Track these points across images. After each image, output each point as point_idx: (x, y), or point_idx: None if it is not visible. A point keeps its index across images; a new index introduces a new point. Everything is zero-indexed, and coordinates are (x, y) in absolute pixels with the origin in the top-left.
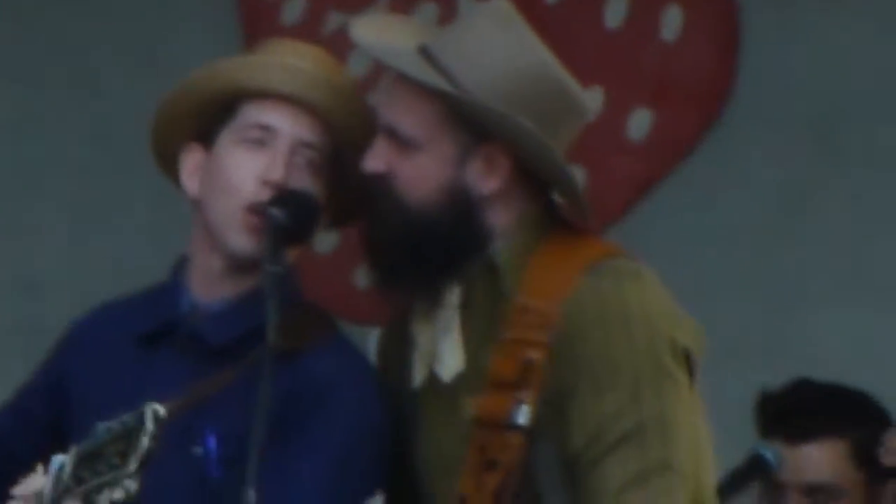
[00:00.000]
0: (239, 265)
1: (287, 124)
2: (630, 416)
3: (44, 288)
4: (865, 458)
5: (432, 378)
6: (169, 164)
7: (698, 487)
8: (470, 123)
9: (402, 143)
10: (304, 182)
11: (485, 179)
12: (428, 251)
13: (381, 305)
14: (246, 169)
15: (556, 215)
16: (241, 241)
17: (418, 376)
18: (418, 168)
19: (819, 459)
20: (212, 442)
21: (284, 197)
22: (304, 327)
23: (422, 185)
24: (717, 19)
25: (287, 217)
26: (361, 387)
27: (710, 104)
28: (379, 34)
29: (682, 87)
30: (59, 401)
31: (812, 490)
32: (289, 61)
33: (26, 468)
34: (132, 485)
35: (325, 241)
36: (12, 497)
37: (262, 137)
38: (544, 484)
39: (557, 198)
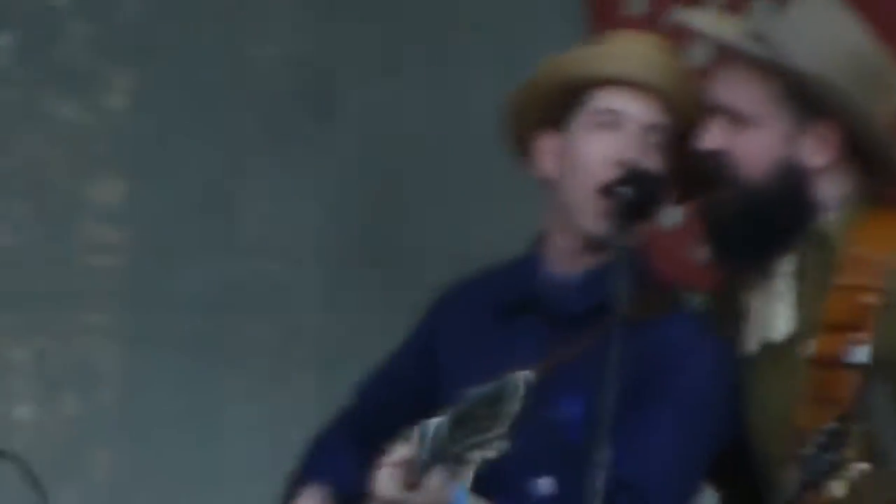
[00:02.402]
0: (591, 244)
1: (635, 108)
2: None
3: None
4: None
5: (765, 343)
6: (520, 149)
7: None
8: (803, 100)
9: (737, 121)
10: (653, 162)
11: (815, 155)
12: (762, 224)
13: (715, 277)
14: (599, 151)
15: (878, 192)
16: (594, 223)
17: (752, 342)
18: (753, 144)
19: None
20: (577, 407)
21: (632, 176)
22: (651, 299)
23: (756, 161)
24: None
25: (635, 194)
26: (716, 352)
27: None
28: (714, 22)
29: None
30: (429, 365)
31: None
32: (632, 49)
33: (392, 432)
34: (503, 445)
35: (670, 216)
36: (382, 465)
37: (614, 121)
38: (879, 420)
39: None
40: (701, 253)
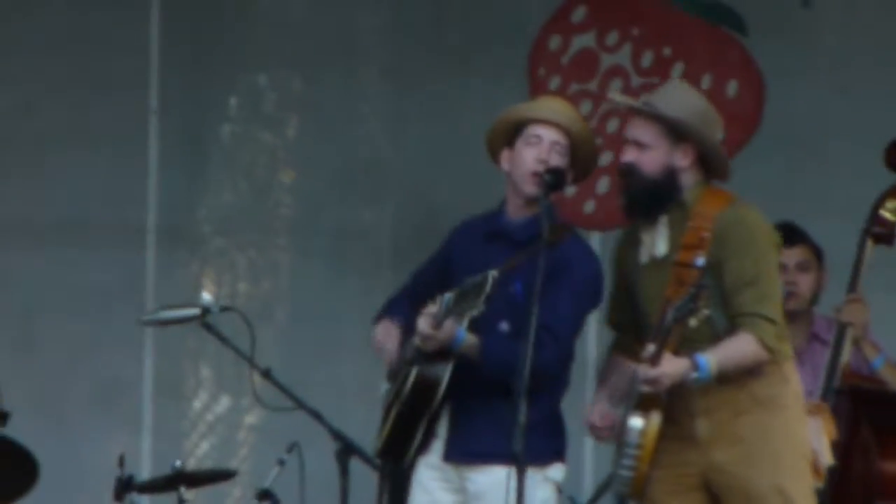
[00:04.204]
0: (529, 202)
1: (549, 134)
2: (754, 270)
3: None
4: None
5: (652, 258)
6: (494, 158)
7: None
8: (674, 134)
9: (640, 146)
10: (558, 161)
11: (681, 162)
12: (653, 197)
13: (623, 223)
14: (530, 156)
15: (711, 180)
16: (530, 190)
17: (644, 258)
18: (650, 158)
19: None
20: (519, 287)
21: (550, 169)
22: (559, 232)
23: (651, 167)
24: None
25: (551, 178)
26: (591, 260)
27: None
28: (624, 97)
29: None
30: (446, 267)
31: (800, 265)
32: (549, 105)
33: (426, 299)
34: (482, 308)
35: (570, 190)
36: (421, 315)
37: (538, 141)
38: (711, 296)
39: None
40: (587, 208)
